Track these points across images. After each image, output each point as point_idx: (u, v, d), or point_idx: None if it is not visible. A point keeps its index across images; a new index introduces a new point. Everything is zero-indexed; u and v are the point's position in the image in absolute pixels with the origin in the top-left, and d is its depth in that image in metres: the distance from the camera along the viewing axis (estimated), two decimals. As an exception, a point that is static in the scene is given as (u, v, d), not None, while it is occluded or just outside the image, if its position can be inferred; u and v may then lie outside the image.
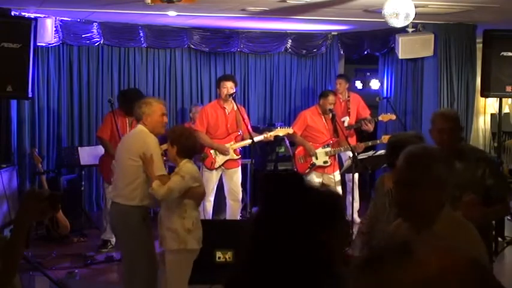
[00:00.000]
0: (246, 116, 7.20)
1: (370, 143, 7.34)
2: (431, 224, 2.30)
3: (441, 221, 2.30)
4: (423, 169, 2.31)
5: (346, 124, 7.93)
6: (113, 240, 6.76)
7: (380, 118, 7.89)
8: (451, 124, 3.74)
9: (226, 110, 7.01)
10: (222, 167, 6.97)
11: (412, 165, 2.34)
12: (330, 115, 7.17)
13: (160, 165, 4.57)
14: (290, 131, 7.26)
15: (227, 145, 6.97)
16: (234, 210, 7.06)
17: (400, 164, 2.38)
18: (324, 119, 7.27)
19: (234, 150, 7.02)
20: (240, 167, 7.16)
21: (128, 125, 6.72)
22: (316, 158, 7.19)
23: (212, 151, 6.90)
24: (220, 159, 6.93)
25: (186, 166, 4.44)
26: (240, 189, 7.20)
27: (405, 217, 2.40)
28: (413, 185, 2.30)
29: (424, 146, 2.53)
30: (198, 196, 4.57)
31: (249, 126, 7.03)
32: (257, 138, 6.91)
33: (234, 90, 6.96)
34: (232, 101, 6.98)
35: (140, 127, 4.73)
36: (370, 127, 7.84)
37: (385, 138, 7.32)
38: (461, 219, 2.41)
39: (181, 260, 4.46)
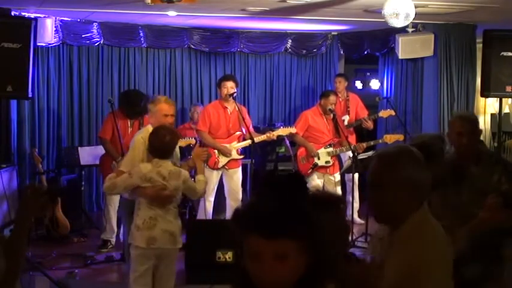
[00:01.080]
0: (247, 117, 7.20)
1: (372, 143, 7.33)
2: (400, 226, 2.27)
3: (409, 223, 2.25)
4: (389, 170, 2.26)
5: (346, 123, 7.94)
6: (113, 240, 6.77)
7: (380, 114, 7.91)
8: (470, 127, 3.63)
9: (228, 110, 7.02)
10: (225, 167, 6.98)
11: (379, 166, 2.30)
12: (331, 115, 7.17)
13: (127, 162, 4.59)
14: (293, 130, 7.26)
15: (228, 145, 6.97)
16: None
17: (371, 165, 2.35)
18: (325, 119, 7.26)
19: (237, 150, 7.03)
20: (240, 167, 7.17)
21: (129, 126, 6.72)
22: (318, 159, 7.18)
23: (215, 150, 6.90)
24: (223, 158, 6.94)
25: (139, 165, 4.41)
26: (240, 189, 7.19)
27: (376, 219, 2.36)
28: (380, 185, 2.26)
29: (397, 146, 2.47)
30: (148, 196, 4.36)
31: (251, 127, 7.03)
32: (259, 138, 6.92)
33: (235, 90, 6.97)
34: (234, 101, 6.99)
35: (148, 126, 4.84)
36: (370, 124, 7.86)
37: (386, 138, 7.33)
38: (428, 222, 2.30)
39: (131, 254, 4.45)
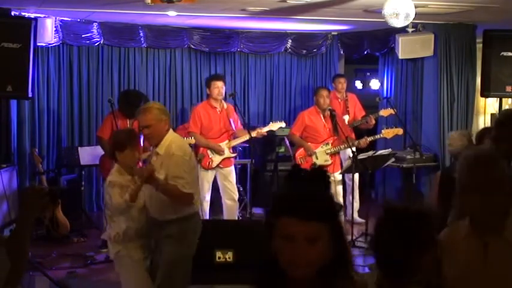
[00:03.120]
0: (235, 115, 7.22)
1: (369, 139, 7.32)
2: (501, 231, 2.19)
3: (510, 228, 2.18)
4: (495, 171, 2.20)
5: (345, 123, 7.95)
6: (113, 240, 6.77)
7: (381, 113, 7.93)
8: None
9: (217, 110, 7.06)
10: (219, 166, 7.00)
11: (484, 168, 2.22)
12: (328, 113, 7.17)
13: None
14: (283, 124, 7.36)
15: (222, 144, 7.01)
16: (231, 210, 7.07)
17: (464, 169, 2.25)
18: (322, 118, 7.26)
19: (229, 148, 7.07)
20: (233, 166, 7.20)
21: (128, 126, 6.72)
22: (317, 158, 7.18)
23: (209, 151, 6.92)
24: (217, 158, 6.97)
25: None
26: (236, 188, 7.22)
27: (475, 225, 2.27)
28: (488, 188, 2.18)
29: (481, 149, 2.40)
30: None
31: (239, 124, 7.11)
32: (252, 134, 6.96)
33: (225, 90, 7.06)
34: (222, 101, 7.07)
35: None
36: (372, 122, 7.88)
37: (385, 132, 7.32)
38: None
39: None
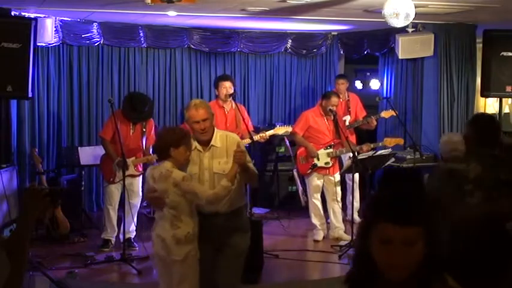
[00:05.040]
0: (246, 115, 7.21)
1: (372, 145, 7.31)
2: None
3: None
4: None
5: (347, 123, 7.94)
6: (113, 240, 6.77)
7: (382, 115, 7.91)
8: None
9: (225, 110, 7.04)
10: None
11: None
12: (332, 116, 7.15)
13: None
14: (289, 129, 7.27)
15: None
16: None
17: None
18: (325, 120, 7.25)
19: None
20: None
21: (131, 128, 6.69)
22: (318, 159, 7.17)
23: None
24: None
25: None
26: None
27: None
28: None
29: None
30: None
31: (249, 125, 7.04)
32: (254, 138, 6.93)
33: (233, 90, 6.99)
34: (232, 101, 7.02)
35: None
36: (374, 123, 7.87)
37: (386, 141, 7.31)
38: None
39: None
